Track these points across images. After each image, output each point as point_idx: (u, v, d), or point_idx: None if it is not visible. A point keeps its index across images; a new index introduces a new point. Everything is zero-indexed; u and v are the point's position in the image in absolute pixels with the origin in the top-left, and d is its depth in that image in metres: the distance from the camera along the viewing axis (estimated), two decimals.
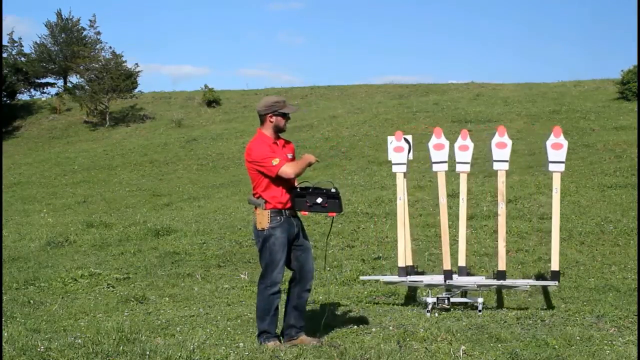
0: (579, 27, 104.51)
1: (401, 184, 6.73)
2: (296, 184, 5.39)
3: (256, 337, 5.42)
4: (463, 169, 6.67)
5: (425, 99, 29.80)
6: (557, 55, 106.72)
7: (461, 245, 6.69)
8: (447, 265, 6.61)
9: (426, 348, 5.10)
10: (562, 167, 6.47)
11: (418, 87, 34.52)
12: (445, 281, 6.63)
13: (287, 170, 5.17)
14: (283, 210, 5.27)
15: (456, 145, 6.69)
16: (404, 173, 6.76)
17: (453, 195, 12.50)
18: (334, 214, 5.36)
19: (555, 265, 6.45)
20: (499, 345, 5.17)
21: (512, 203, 11.49)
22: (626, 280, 7.46)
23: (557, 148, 6.44)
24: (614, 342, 5.21)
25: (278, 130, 5.36)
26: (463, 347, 5.02)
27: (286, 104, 5.37)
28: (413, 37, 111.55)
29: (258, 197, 5.29)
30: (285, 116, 5.34)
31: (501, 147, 6.58)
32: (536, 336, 5.34)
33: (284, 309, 5.59)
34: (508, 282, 6.58)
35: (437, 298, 6.55)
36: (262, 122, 5.37)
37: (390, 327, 5.83)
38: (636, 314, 6.01)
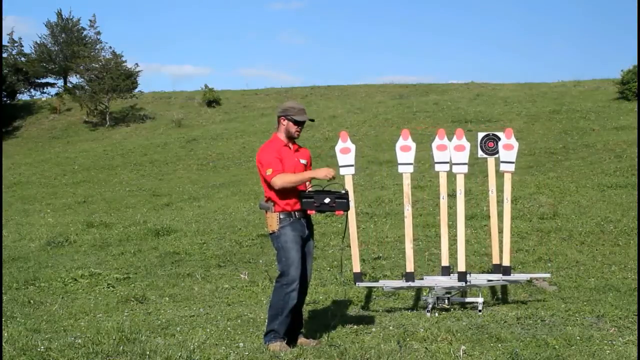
0: (579, 27, 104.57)
1: (444, 183, 6.65)
2: (309, 186, 5.41)
3: (263, 336, 5.36)
4: (507, 168, 6.58)
5: (425, 99, 29.80)
6: (557, 55, 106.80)
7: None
8: (356, 268, 6.62)
9: (426, 348, 5.10)
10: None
11: (418, 87, 34.53)
12: (355, 283, 6.74)
13: (277, 182, 5.15)
14: (292, 212, 5.26)
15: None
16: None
17: (453, 196, 12.51)
18: (342, 213, 5.40)
19: (461, 267, 6.46)
20: (499, 345, 5.17)
21: (512, 203, 11.45)
22: (626, 280, 7.47)
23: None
24: (614, 342, 5.21)
25: (288, 135, 5.36)
26: (463, 347, 5.02)
27: (300, 112, 5.35)
28: (413, 37, 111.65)
29: (267, 201, 5.30)
30: (296, 123, 5.33)
31: (405, 150, 6.58)
32: (536, 336, 5.34)
33: None
34: (416, 283, 6.64)
35: (437, 298, 6.56)
36: (277, 124, 5.40)
37: (390, 327, 5.83)
38: (636, 314, 6.01)
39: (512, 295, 7.11)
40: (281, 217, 5.24)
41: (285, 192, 5.23)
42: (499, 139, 6.66)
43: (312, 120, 5.53)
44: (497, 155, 6.68)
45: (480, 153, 6.85)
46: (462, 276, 6.52)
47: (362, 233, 10.39)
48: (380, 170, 17.03)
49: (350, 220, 6.57)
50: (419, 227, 10.35)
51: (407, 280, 6.61)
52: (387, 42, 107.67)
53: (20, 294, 7.94)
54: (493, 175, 6.76)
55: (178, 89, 51.92)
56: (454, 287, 6.65)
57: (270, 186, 5.23)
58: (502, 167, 6.64)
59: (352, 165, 6.64)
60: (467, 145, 6.60)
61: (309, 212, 5.34)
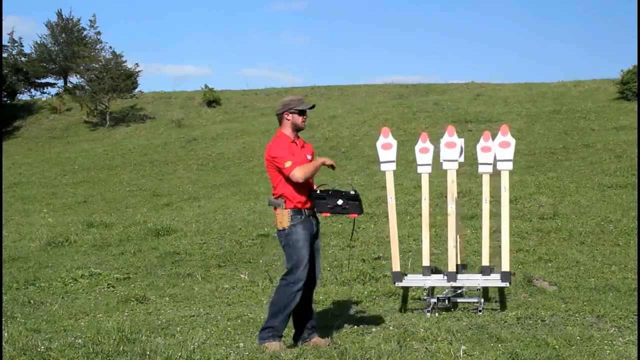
0: (579, 27, 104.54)
1: (426, 185, 6.69)
2: (315, 187, 5.42)
3: (260, 330, 5.31)
4: (487, 167, 6.58)
5: (425, 99, 29.80)
6: (557, 55, 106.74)
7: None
8: (396, 267, 6.63)
9: (426, 348, 5.09)
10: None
11: (418, 87, 34.52)
12: (394, 282, 6.67)
13: (297, 174, 5.16)
14: (303, 210, 5.26)
15: (478, 146, 6.59)
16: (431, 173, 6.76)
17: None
18: (355, 215, 5.41)
19: (505, 266, 6.44)
20: (499, 345, 5.17)
21: (512, 203, 11.47)
22: (626, 280, 7.46)
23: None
24: (614, 342, 5.21)
25: (296, 128, 5.38)
26: (463, 347, 5.02)
27: (301, 102, 5.42)
28: (413, 37, 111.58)
29: (278, 198, 5.28)
30: (302, 114, 5.38)
31: (450, 147, 6.57)
32: (536, 336, 5.34)
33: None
34: (458, 282, 6.60)
35: (438, 298, 6.56)
36: (280, 121, 5.41)
37: (391, 327, 5.83)
38: (636, 314, 6.01)
39: (512, 295, 7.10)
40: (292, 214, 5.24)
41: (299, 189, 5.24)
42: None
43: (313, 107, 5.51)
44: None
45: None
46: (505, 276, 6.43)
47: (362, 233, 10.40)
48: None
49: (390, 217, 6.58)
50: (419, 227, 10.32)
51: (449, 280, 6.55)
52: (387, 42, 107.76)
53: (20, 294, 7.94)
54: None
55: (178, 89, 51.90)
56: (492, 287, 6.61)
57: (287, 180, 5.21)
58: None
59: (393, 162, 6.59)
60: (513, 141, 6.56)
61: (323, 214, 5.34)
